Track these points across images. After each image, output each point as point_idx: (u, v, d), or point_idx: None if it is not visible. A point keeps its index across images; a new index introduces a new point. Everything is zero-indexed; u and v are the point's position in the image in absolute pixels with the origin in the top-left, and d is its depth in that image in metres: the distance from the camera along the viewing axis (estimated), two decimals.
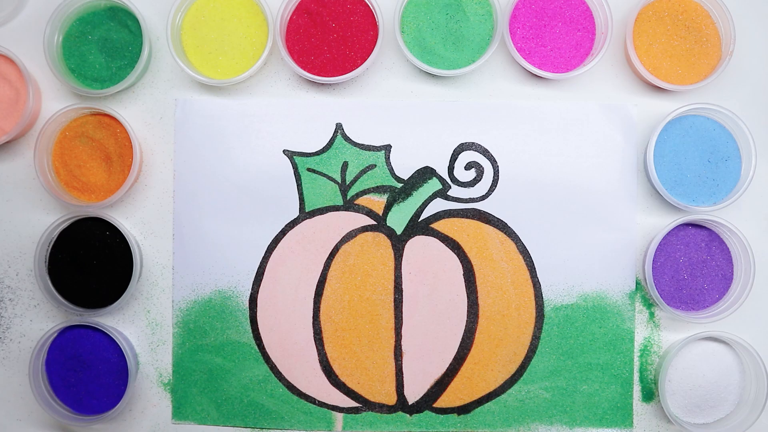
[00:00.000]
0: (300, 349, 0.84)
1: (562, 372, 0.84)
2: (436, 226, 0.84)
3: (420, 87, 0.85)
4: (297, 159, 0.85)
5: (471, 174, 0.84)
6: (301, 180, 0.85)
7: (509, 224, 0.84)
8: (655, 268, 0.83)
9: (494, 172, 0.84)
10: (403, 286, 0.84)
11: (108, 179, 0.84)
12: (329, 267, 0.84)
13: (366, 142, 0.85)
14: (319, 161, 0.85)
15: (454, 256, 0.84)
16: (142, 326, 0.85)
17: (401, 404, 0.84)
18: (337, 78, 0.82)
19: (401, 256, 0.84)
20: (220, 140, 0.85)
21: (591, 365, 0.83)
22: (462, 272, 0.84)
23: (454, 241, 0.84)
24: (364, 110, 0.85)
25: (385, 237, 0.84)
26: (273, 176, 0.85)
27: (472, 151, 0.84)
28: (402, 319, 0.84)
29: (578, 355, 0.84)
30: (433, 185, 0.84)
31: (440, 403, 0.84)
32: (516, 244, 0.84)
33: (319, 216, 0.84)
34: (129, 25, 0.84)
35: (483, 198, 0.84)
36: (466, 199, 0.84)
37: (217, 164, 0.85)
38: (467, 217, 0.84)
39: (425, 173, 0.84)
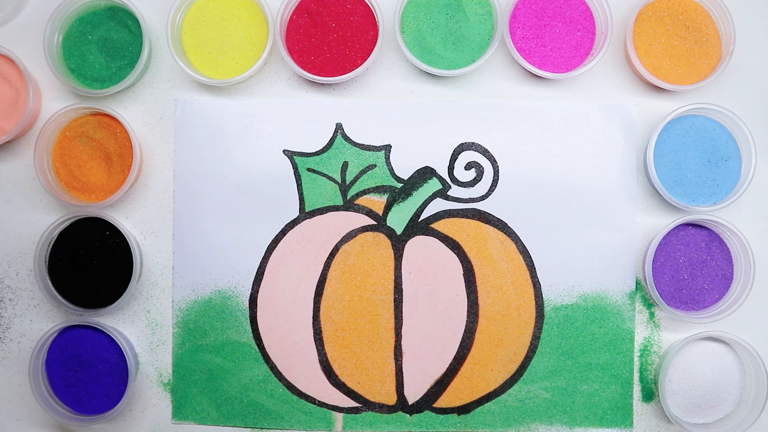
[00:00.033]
0: (300, 349, 0.84)
1: (562, 372, 0.84)
2: (436, 226, 0.84)
3: (420, 87, 0.85)
4: (297, 159, 0.85)
5: (471, 174, 0.84)
6: (301, 180, 0.85)
7: (509, 224, 0.84)
8: (655, 268, 0.83)
9: (494, 172, 0.84)
10: (403, 286, 0.84)
11: (108, 179, 0.84)
12: (329, 267, 0.84)
13: (366, 142, 0.85)
14: (319, 161, 0.85)
15: (454, 256, 0.84)
16: (142, 326, 0.85)
17: (401, 404, 0.84)
18: (337, 78, 0.82)
19: (401, 256, 0.84)
20: (220, 140, 0.85)
21: (591, 365, 0.83)
22: (462, 272, 0.84)
23: (454, 241, 0.84)
24: (364, 110, 0.85)
25: (385, 237, 0.84)
26: (273, 176, 0.85)
27: (472, 151, 0.84)
28: (402, 319, 0.84)
29: (578, 355, 0.84)
30: (433, 185, 0.84)
31: (440, 403, 0.84)
32: (516, 244, 0.84)
33: (319, 216, 0.84)
34: (129, 25, 0.84)
35: (483, 198, 0.84)
36: (466, 199, 0.84)
37: (217, 164, 0.85)
38: (467, 217, 0.84)
39: (425, 173, 0.84)
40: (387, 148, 0.85)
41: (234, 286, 0.84)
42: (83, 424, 0.83)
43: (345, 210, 0.84)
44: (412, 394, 0.84)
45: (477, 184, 0.84)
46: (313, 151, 0.85)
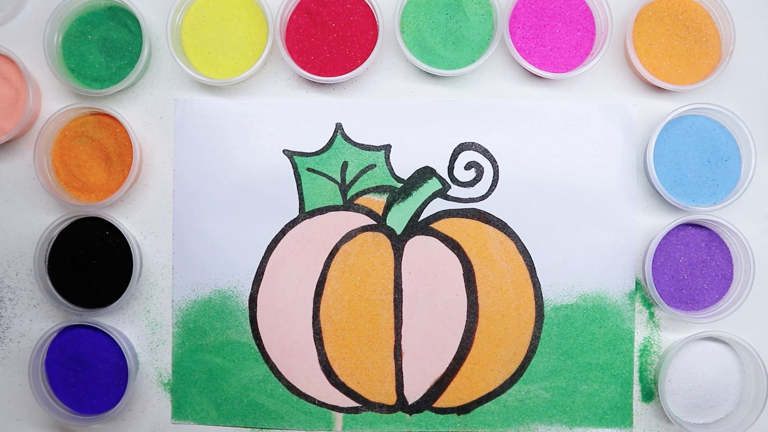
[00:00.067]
0: (300, 349, 0.84)
1: (562, 372, 0.84)
2: (436, 226, 0.84)
3: (420, 87, 0.85)
4: (297, 159, 0.85)
5: (471, 174, 0.84)
6: (300, 180, 0.85)
7: (509, 224, 0.84)
8: (654, 268, 0.83)
9: (494, 172, 0.84)
10: (403, 286, 0.84)
11: (108, 179, 0.84)
12: (329, 267, 0.84)
13: (366, 142, 0.85)
14: (319, 161, 0.85)
15: (454, 256, 0.84)
16: (141, 326, 0.85)
17: (401, 404, 0.84)
18: (337, 78, 0.82)
19: (401, 256, 0.84)
20: (220, 140, 0.85)
21: (591, 365, 0.83)
22: (462, 272, 0.84)
23: (454, 241, 0.84)
24: (364, 110, 0.85)
25: (385, 237, 0.84)
26: (273, 176, 0.85)
27: (472, 151, 0.84)
28: (402, 319, 0.84)
29: (578, 355, 0.84)
30: (433, 185, 0.84)
31: (440, 403, 0.84)
32: (516, 244, 0.84)
33: (319, 216, 0.84)
34: (129, 24, 0.84)
35: (483, 198, 0.84)
36: (466, 199, 0.84)
37: (217, 164, 0.85)
38: (467, 217, 0.84)
39: (425, 173, 0.84)
40: (387, 148, 0.85)
41: (234, 286, 0.84)
42: (83, 424, 0.83)
43: (345, 210, 0.84)
44: (412, 394, 0.84)
45: (477, 184, 0.84)
46: (313, 151, 0.85)
